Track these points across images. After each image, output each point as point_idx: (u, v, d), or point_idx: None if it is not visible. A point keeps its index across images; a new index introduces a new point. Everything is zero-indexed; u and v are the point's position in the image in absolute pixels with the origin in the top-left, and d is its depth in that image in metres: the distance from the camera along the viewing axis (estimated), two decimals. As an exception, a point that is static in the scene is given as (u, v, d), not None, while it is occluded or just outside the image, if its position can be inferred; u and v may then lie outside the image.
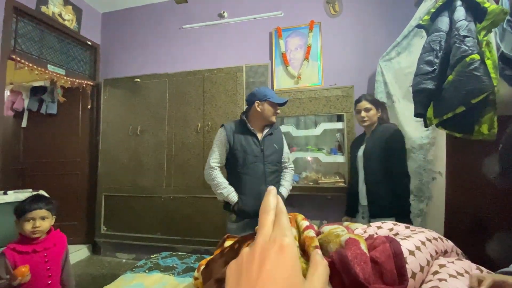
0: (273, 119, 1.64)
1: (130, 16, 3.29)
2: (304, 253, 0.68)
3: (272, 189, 0.28)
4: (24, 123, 3.26)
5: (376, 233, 0.86)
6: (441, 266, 0.68)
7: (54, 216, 1.32)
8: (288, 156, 1.81)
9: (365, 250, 0.59)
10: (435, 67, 1.23)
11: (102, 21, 3.39)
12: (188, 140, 2.82)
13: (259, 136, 1.66)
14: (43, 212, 1.23)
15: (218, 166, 1.65)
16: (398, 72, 2.27)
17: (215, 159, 1.63)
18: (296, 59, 2.70)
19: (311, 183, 2.49)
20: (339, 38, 2.62)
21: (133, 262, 2.85)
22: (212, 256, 0.87)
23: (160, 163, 2.87)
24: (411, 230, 0.83)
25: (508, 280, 0.61)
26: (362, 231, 0.89)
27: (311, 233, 0.70)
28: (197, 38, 3.04)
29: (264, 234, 0.25)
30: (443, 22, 1.28)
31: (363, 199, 1.70)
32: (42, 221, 1.23)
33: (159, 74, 2.98)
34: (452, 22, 1.24)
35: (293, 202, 2.49)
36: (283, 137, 1.80)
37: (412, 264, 0.62)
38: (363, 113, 1.69)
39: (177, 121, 2.87)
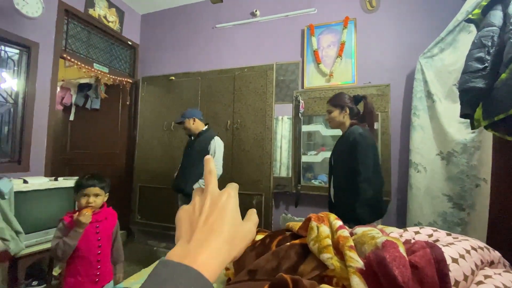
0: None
1: (167, 17, 3.45)
2: (338, 251, 0.68)
3: (209, 157, 0.35)
4: (71, 117, 3.58)
5: (414, 238, 0.83)
6: (487, 276, 0.64)
7: (107, 194, 1.44)
8: (216, 158, 2.25)
9: (404, 254, 0.57)
10: (486, 65, 1.13)
11: (141, 22, 3.59)
12: (218, 136, 2.89)
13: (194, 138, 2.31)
14: (96, 189, 1.34)
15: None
16: (441, 69, 2.13)
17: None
18: (329, 57, 2.64)
19: (340, 184, 2.43)
20: (376, 34, 2.51)
21: (163, 250, 3.01)
22: (243, 249, 0.90)
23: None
24: (454, 238, 0.78)
25: None
26: (397, 235, 0.86)
27: (345, 232, 0.70)
28: (229, 37, 3.10)
29: (213, 187, 0.32)
30: (496, 16, 1.17)
31: (332, 199, 1.69)
32: (95, 197, 1.34)
33: (192, 73, 3.08)
34: (506, 16, 1.13)
35: (319, 202, 2.46)
36: (214, 140, 2.28)
37: (455, 272, 0.59)
38: (326, 115, 1.71)
39: (208, 118, 2.95)
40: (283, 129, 2.74)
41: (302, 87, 2.71)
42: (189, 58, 3.26)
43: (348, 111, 1.63)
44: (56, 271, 2.13)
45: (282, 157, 2.72)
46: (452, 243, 0.68)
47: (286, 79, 2.79)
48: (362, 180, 1.44)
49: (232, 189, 0.33)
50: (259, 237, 0.97)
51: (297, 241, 0.79)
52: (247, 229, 0.32)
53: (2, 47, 2.19)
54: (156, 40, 3.48)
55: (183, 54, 3.30)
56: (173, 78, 3.12)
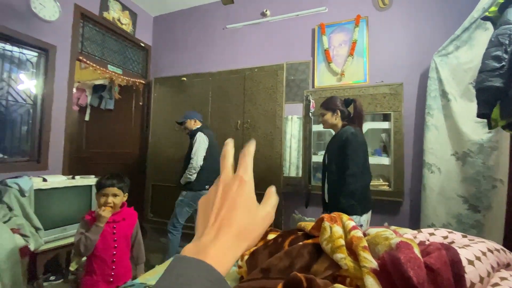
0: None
1: (178, 18, 3.50)
2: (351, 252, 0.68)
3: (230, 140, 0.34)
4: (87, 117, 3.68)
5: (428, 240, 0.82)
6: (503, 279, 0.63)
7: (126, 194, 1.46)
8: (194, 152, 2.38)
9: (419, 255, 0.57)
10: (503, 63, 1.10)
11: (154, 24, 3.66)
12: (228, 136, 2.89)
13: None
14: (114, 189, 1.36)
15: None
16: (456, 68, 2.08)
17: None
18: (340, 56, 2.62)
19: (351, 184, 2.41)
20: (388, 32, 2.47)
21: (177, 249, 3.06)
22: (256, 247, 0.91)
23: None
24: (470, 240, 0.77)
25: None
26: (411, 236, 0.85)
27: (358, 233, 0.70)
28: (239, 37, 3.12)
29: (226, 174, 0.31)
30: (514, 13, 1.14)
31: (326, 197, 1.79)
32: (114, 197, 1.35)
33: (203, 73, 3.12)
34: (526, 13, 1.10)
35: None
36: (197, 136, 2.43)
37: (471, 274, 0.59)
38: (320, 119, 1.85)
39: (219, 118, 2.99)
40: (292, 129, 2.74)
41: (313, 86, 2.70)
42: (200, 59, 3.30)
43: (339, 113, 1.75)
44: (73, 266, 2.20)
45: (292, 157, 2.72)
46: (468, 245, 0.67)
47: (297, 78, 2.78)
48: (349, 174, 1.57)
49: (245, 170, 0.32)
50: (271, 236, 0.98)
51: (309, 241, 0.80)
52: (263, 215, 0.31)
53: (21, 50, 2.28)
54: (168, 41, 3.54)
55: (194, 55, 3.35)
56: (185, 78, 3.17)
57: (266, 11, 2.96)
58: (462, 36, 2.05)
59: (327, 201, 1.77)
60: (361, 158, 1.62)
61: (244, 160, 0.32)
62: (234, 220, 0.28)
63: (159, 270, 1.09)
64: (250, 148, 0.33)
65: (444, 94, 2.11)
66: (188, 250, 0.26)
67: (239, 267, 0.95)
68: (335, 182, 1.68)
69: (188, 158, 2.40)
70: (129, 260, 1.45)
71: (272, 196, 0.33)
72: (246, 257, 0.92)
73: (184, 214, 2.46)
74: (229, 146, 0.34)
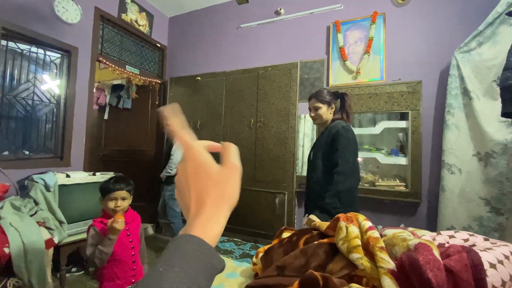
0: None
1: (193, 18, 3.55)
2: (367, 252, 0.68)
3: (163, 108, 0.35)
4: (105, 116, 3.81)
5: (448, 242, 0.80)
6: (529, 285, 0.61)
7: (131, 197, 1.45)
8: (174, 150, 2.68)
9: (438, 257, 0.56)
10: (531, 60, 1.05)
11: (169, 24, 3.73)
12: (242, 135, 2.95)
13: None
14: (124, 193, 1.35)
15: None
16: (479, 65, 1.99)
17: None
18: (355, 53, 2.57)
19: (366, 185, 2.37)
20: (406, 29, 2.40)
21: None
22: (270, 245, 0.92)
23: (215, 155, 3.04)
24: (492, 243, 0.75)
25: None
26: (430, 238, 0.83)
27: (375, 233, 0.69)
28: (253, 37, 3.13)
29: (187, 143, 0.34)
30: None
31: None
32: (123, 201, 1.34)
33: (217, 73, 3.16)
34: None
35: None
36: None
37: (493, 278, 0.57)
38: (312, 112, 1.63)
39: (232, 117, 3.02)
40: (305, 128, 2.72)
41: (327, 84, 2.67)
42: (215, 59, 3.33)
43: (334, 107, 1.61)
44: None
45: (305, 156, 2.70)
46: (490, 248, 0.65)
47: (311, 77, 2.76)
48: (338, 172, 1.39)
49: (187, 141, 0.33)
50: (286, 234, 0.99)
51: (325, 240, 0.80)
52: (227, 171, 0.32)
53: (46, 52, 2.39)
54: (183, 41, 3.60)
55: (208, 55, 3.39)
56: (199, 78, 3.22)
57: (280, 9, 2.95)
58: (485, 32, 1.97)
59: (308, 200, 1.62)
60: (352, 155, 1.45)
61: (178, 134, 0.34)
62: (202, 192, 0.30)
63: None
64: (173, 120, 0.35)
65: (465, 92, 2.03)
66: (182, 231, 0.29)
67: (254, 264, 0.96)
68: (319, 179, 1.51)
69: (167, 155, 2.73)
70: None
71: (228, 148, 0.35)
72: (260, 254, 0.94)
73: (177, 204, 2.68)
74: (166, 111, 0.35)
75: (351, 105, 1.63)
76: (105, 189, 1.33)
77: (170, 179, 2.67)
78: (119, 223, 1.23)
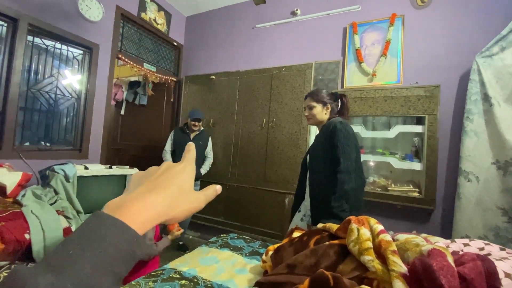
0: (192, 128, 2.86)
1: (210, 18, 3.60)
2: (379, 255, 0.68)
3: (190, 144, 0.37)
4: (122, 111, 3.92)
5: (462, 250, 0.79)
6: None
7: None
8: (210, 150, 3.00)
9: (452, 264, 0.56)
10: (558, 66, 1.01)
11: (186, 23, 3.80)
12: (253, 134, 2.96)
13: (192, 135, 2.89)
14: None
15: (168, 150, 2.94)
16: (501, 70, 1.93)
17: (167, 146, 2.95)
18: (372, 55, 2.54)
19: (378, 189, 2.34)
20: (426, 32, 2.35)
21: (198, 240, 3.18)
22: (281, 244, 0.93)
23: (227, 153, 3.09)
24: (508, 253, 0.73)
25: None
26: (444, 245, 0.82)
27: (387, 237, 0.69)
28: (269, 37, 3.14)
29: (172, 161, 0.35)
30: None
31: (307, 199, 1.54)
32: None
33: (232, 72, 3.19)
34: None
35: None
36: (209, 137, 3.01)
37: (508, 287, 0.56)
38: (306, 111, 1.56)
39: (245, 116, 3.04)
40: (318, 129, 2.70)
41: (342, 86, 2.65)
42: (229, 58, 3.37)
43: (329, 108, 1.52)
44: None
45: (317, 158, 2.69)
46: (506, 258, 0.64)
47: (325, 78, 2.74)
48: (341, 170, 1.27)
49: (189, 161, 0.35)
50: (296, 234, 1.00)
51: (335, 242, 0.80)
52: (195, 197, 0.32)
53: (69, 48, 2.48)
54: (199, 40, 3.65)
55: (223, 54, 3.42)
56: (214, 77, 3.26)
57: (296, 10, 2.94)
58: (508, 37, 1.90)
59: (307, 203, 1.53)
60: (353, 151, 1.33)
61: (188, 154, 0.36)
62: (169, 186, 0.30)
63: (187, 258, 1.15)
64: (191, 147, 0.37)
65: (486, 98, 1.97)
66: (112, 203, 0.27)
67: (263, 261, 0.98)
68: (319, 181, 1.41)
69: (201, 155, 2.94)
70: None
71: (210, 189, 0.35)
72: (270, 252, 0.95)
73: None
74: (191, 149, 0.37)
75: (349, 107, 1.58)
76: None
77: (197, 175, 2.77)
78: (179, 231, 1.51)
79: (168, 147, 2.94)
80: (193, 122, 2.82)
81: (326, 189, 1.33)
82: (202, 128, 2.99)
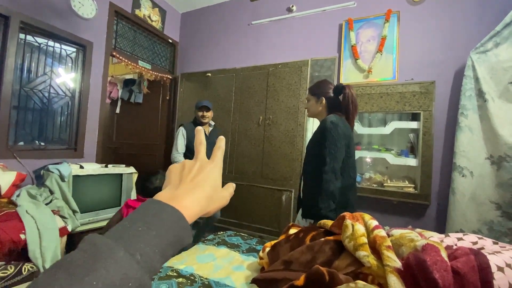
0: (201, 120, 2.51)
1: (205, 15, 3.57)
2: (374, 251, 0.69)
3: (200, 129, 0.41)
4: (117, 110, 3.89)
5: (456, 245, 0.80)
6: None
7: None
8: None
9: (446, 258, 0.57)
10: (550, 62, 1.02)
11: (181, 20, 3.76)
12: (250, 132, 2.96)
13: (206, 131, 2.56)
14: None
15: (181, 152, 2.51)
16: (495, 66, 1.94)
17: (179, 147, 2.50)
18: (368, 52, 2.54)
19: (374, 185, 2.36)
20: (421, 28, 2.36)
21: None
22: (277, 240, 0.94)
23: (224, 151, 3.08)
24: (501, 246, 0.74)
25: None
26: (438, 240, 0.83)
27: (382, 232, 0.70)
28: (265, 34, 3.12)
29: (202, 155, 0.38)
30: None
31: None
32: None
33: (228, 69, 3.17)
34: None
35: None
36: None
37: (500, 281, 0.57)
38: (305, 104, 1.62)
39: (241, 114, 3.03)
40: (314, 126, 2.71)
41: (338, 83, 2.65)
42: (225, 55, 3.35)
43: (324, 100, 1.48)
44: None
45: (314, 155, 2.70)
46: (499, 252, 0.65)
47: (321, 75, 2.74)
48: (326, 170, 1.28)
49: (218, 162, 0.38)
50: (293, 231, 1.00)
51: (331, 238, 0.81)
52: (222, 194, 0.37)
53: (62, 46, 2.45)
54: (195, 37, 3.62)
55: (219, 51, 3.40)
56: (210, 74, 3.24)
57: (292, 6, 2.93)
58: (502, 33, 1.91)
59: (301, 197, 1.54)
60: (342, 152, 1.32)
61: (219, 152, 0.39)
62: (207, 185, 0.34)
63: (184, 256, 1.15)
64: (221, 143, 0.41)
65: (480, 94, 1.98)
66: (163, 196, 0.30)
67: (260, 258, 0.98)
68: (309, 179, 1.43)
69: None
70: None
71: (230, 187, 0.40)
72: (267, 249, 0.95)
73: None
74: (202, 133, 0.41)
75: (354, 99, 1.44)
76: None
77: None
78: None
79: (181, 147, 2.48)
80: (200, 113, 2.46)
81: (314, 186, 1.35)
82: (214, 123, 2.71)
